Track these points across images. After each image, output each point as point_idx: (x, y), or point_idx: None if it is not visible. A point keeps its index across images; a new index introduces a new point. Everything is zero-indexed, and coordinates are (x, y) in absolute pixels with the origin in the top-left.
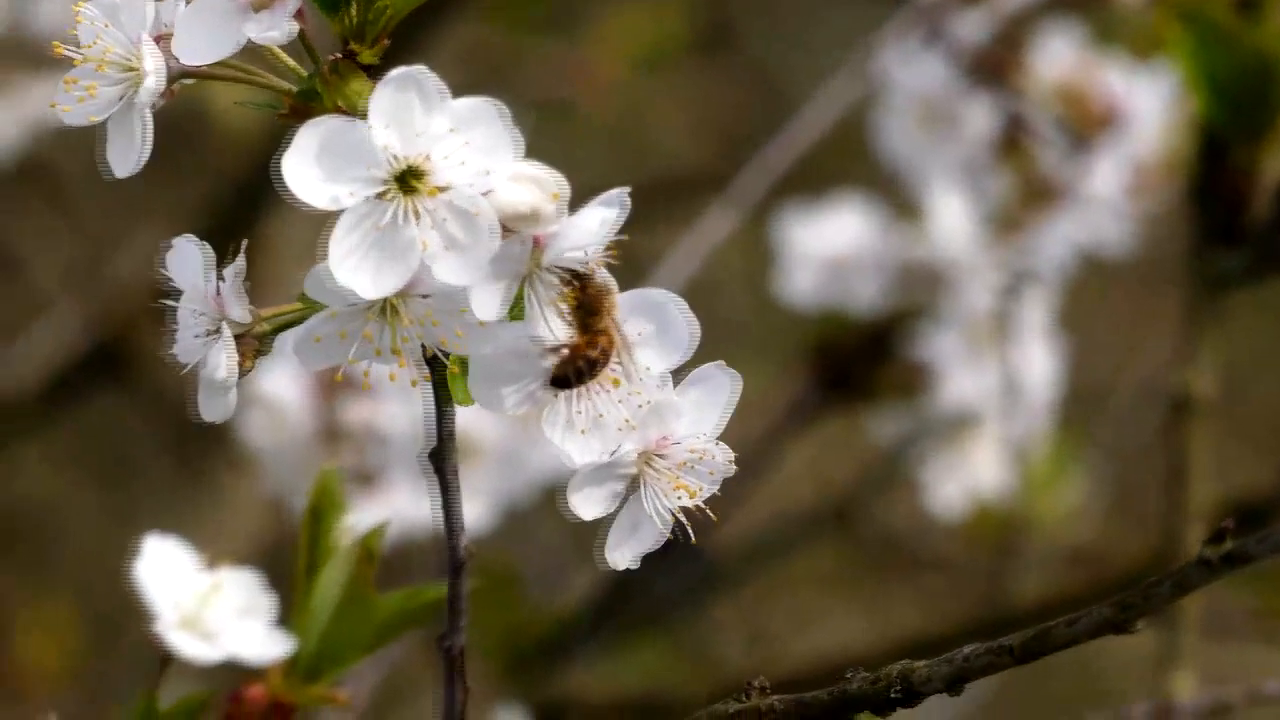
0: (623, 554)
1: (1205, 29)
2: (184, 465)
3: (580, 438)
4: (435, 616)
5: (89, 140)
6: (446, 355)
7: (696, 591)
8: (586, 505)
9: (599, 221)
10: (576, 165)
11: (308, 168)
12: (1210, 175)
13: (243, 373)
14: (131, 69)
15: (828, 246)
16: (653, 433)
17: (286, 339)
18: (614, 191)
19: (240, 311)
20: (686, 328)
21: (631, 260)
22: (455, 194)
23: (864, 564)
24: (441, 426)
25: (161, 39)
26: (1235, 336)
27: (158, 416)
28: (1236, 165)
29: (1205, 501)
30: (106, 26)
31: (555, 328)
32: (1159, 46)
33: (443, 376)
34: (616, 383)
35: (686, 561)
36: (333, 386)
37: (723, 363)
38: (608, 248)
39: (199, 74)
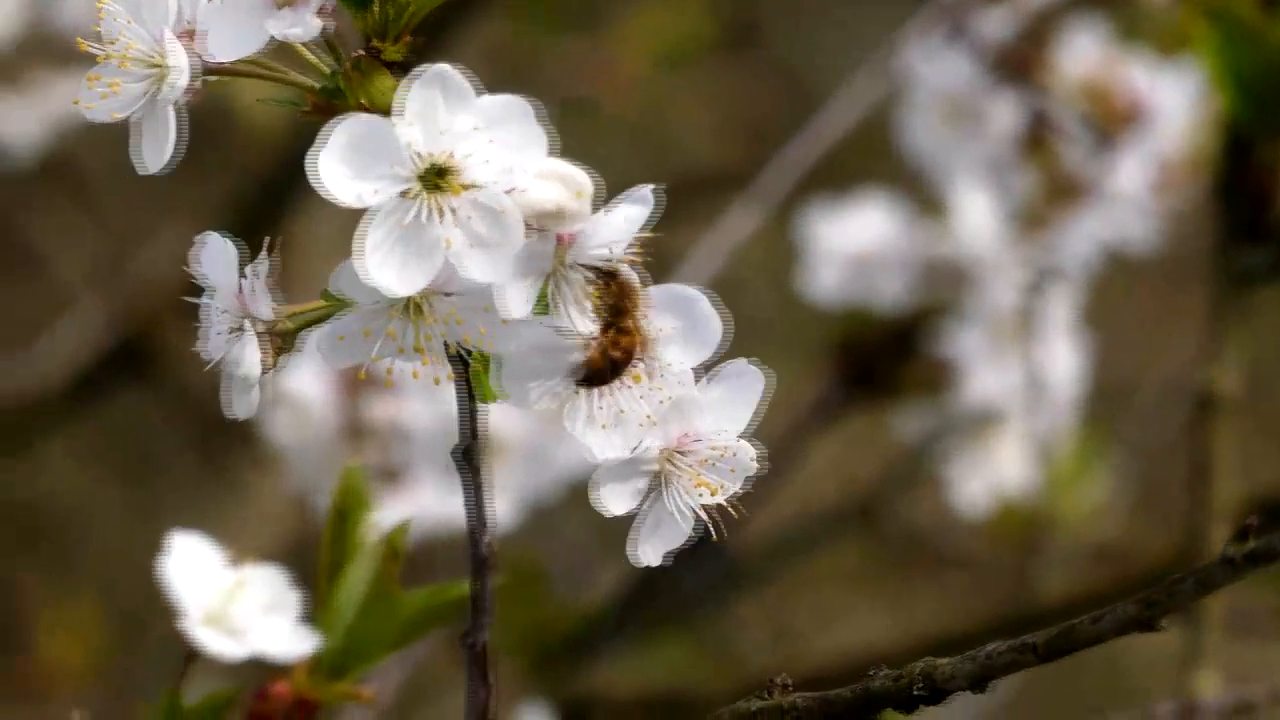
0: (648, 551)
1: (1231, 26)
2: (208, 462)
3: (601, 432)
4: (460, 614)
5: (113, 137)
6: (470, 353)
7: (721, 589)
8: (609, 501)
9: (626, 219)
10: (599, 163)
11: (334, 165)
12: (1235, 172)
13: (268, 370)
14: (155, 65)
15: (852, 243)
16: (675, 429)
17: (311, 336)
18: (640, 188)
19: (266, 309)
20: (716, 324)
21: (655, 258)
22: (481, 192)
23: (888, 561)
24: (468, 424)
25: (185, 35)
26: (1260, 333)
27: (182, 414)
28: (1261, 162)
29: (1229, 499)
30: (130, 23)
31: (581, 326)
32: (1184, 43)
33: (467, 374)
34: (638, 378)
35: (711, 559)
36: (357, 384)
37: (749, 359)
38: (634, 245)
39: (223, 70)
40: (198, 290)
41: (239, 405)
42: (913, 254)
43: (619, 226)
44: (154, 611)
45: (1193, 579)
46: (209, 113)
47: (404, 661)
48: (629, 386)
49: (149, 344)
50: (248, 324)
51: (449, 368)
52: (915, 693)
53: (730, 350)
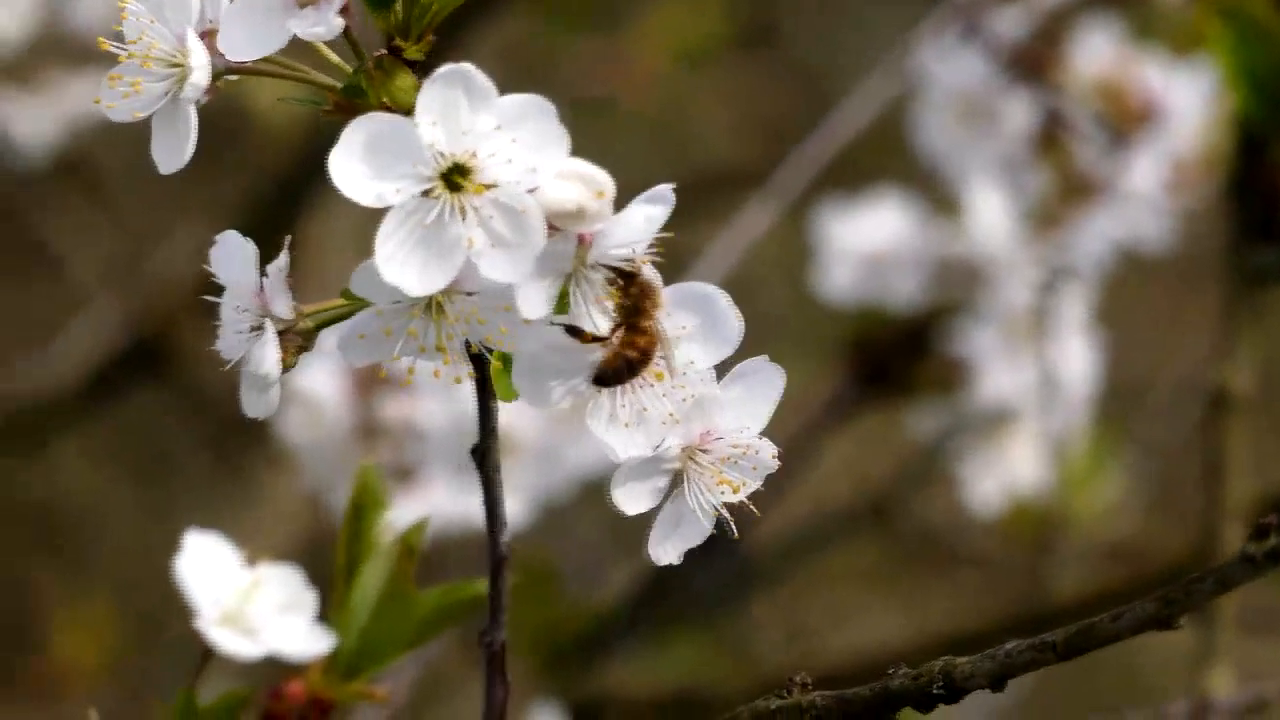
0: (667, 549)
1: (1244, 25)
2: (223, 462)
3: (624, 432)
4: (474, 613)
5: (128, 137)
6: (490, 351)
7: (735, 587)
8: (630, 500)
9: (644, 218)
10: (616, 161)
11: (355, 164)
12: (1249, 171)
13: (286, 369)
14: (176, 65)
15: (866, 242)
16: (696, 427)
17: (328, 335)
18: (660, 188)
19: (284, 307)
20: (734, 322)
21: (672, 256)
22: (502, 191)
23: (902, 560)
24: (485, 423)
25: (206, 35)
26: (1273, 332)
27: (197, 413)
28: (1275, 161)
29: (1243, 497)
30: (152, 22)
31: (600, 325)
32: (1198, 43)
33: (487, 373)
34: (660, 377)
35: (724, 558)
36: (370, 383)
37: (767, 357)
38: (652, 244)
39: (244, 70)
40: (216, 289)
41: (257, 404)
42: (926, 253)
43: (639, 226)
44: (169, 611)
45: (1212, 577)
46: (225, 113)
47: (417, 660)
48: (651, 385)
49: (164, 344)
50: (267, 323)
51: (470, 366)
52: (934, 691)
53: (745, 349)
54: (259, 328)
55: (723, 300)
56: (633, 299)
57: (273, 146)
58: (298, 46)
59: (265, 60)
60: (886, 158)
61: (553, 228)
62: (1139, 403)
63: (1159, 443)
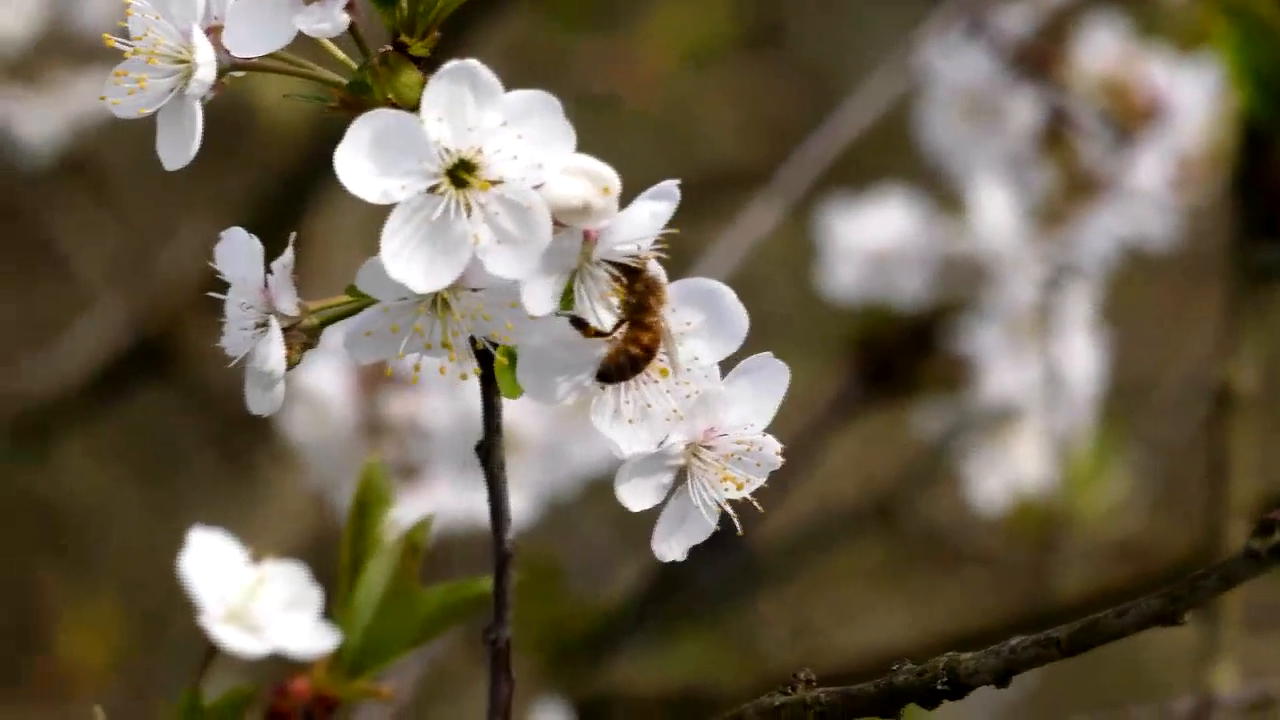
0: (671, 546)
1: (1249, 23)
2: (228, 460)
3: (628, 428)
4: (479, 611)
5: (134, 135)
6: (495, 347)
7: (741, 585)
8: (634, 496)
9: (650, 215)
10: (621, 160)
11: (360, 161)
12: (1253, 168)
13: (291, 366)
14: (182, 61)
15: (871, 240)
16: (700, 423)
17: (333, 332)
18: (665, 184)
19: (288, 304)
20: (738, 318)
21: (677, 254)
22: (508, 188)
23: (907, 558)
24: (490, 420)
25: (212, 31)
26: (1278, 329)
27: (202, 412)
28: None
29: (1247, 496)
30: (157, 19)
31: (605, 321)
32: (1203, 40)
33: (492, 370)
34: (665, 373)
35: (730, 555)
36: (374, 380)
37: (770, 354)
38: (657, 241)
39: (249, 66)
40: (221, 286)
41: (262, 401)
42: (931, 250)
43: (645, 223)
44: (175, 609)
45: (1216, 573)
46: (231, 109)
47: (422, 658)
48: (655, 381)
49: (170, 342)
50: (272, 319)
51: (475, 363)
52: (939, 687)
53: (750, 346)
54: (264, 324)
55: (728, 296)
56: (638, 295)
57: (279, 143)
58: (303, 43)
59: (271, 56)
60: (891, 156)
61: (558, 224)
62: (1144, 400)
63: (1164, 441)
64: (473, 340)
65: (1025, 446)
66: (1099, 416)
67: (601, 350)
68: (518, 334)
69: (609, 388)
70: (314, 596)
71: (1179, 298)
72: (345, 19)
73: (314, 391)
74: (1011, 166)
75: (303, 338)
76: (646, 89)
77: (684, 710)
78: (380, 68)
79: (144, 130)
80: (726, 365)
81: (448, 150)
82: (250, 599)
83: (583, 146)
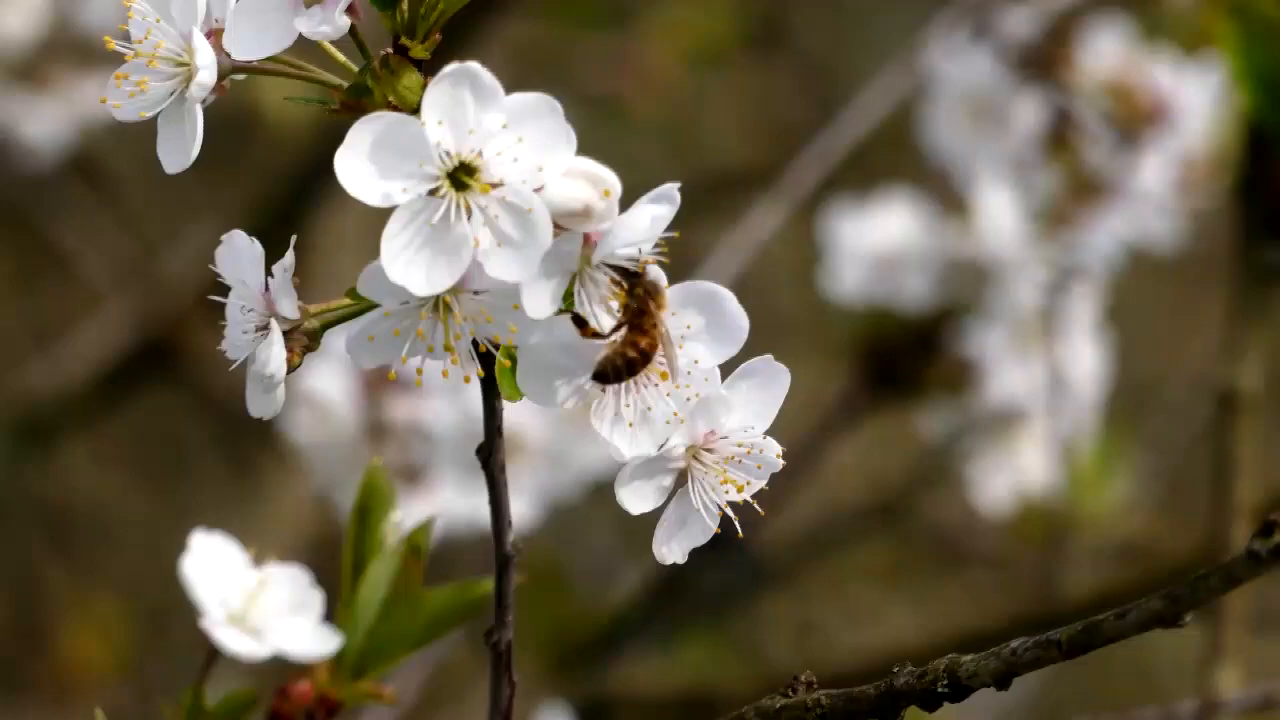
0: (672, 548)
1: (1253, 25)
2: (231, 462)
3: (628, 431)
4: (481, 613)
5: (138, 137)
6: (498, 348)
7: (745, 588)
8: (635, 499)
9: (650, 218)
10: (625, 161)
11: (361, 164)
12: (1257, 170)
13: (291, 369)
14: (183, 64)
15: (875, 242)
16: (701, 426)
17: (336, 337)
18: (665, 187)
19: (289, 307)
20: (738, 321)
21: (680, 256)
22: (508, 190)
23: (913, 560)
24: (490, 423)
25: (213, 34)
26: None
27: (206, 414)
28: None
29: (1251, 497)
30: (158, 22)
31: (605, 325)
32: (1207, 42)
33: (493, 373)
34: (665, 376)
35: (734, 558)
36: (377, 383)
37: (770, 356)
38: (658, 244)
39: (250, 69)
40: (223, 289)
41: (263, 404)
42: (936, 253)
43: (645, 226)
44: (178, 611)
45: (1217, 574)
46: (233, 112)
47: (424, 661)
48: (655, 384)
49: (173, 344)
50: (273, 322)
51: (478, 366)
52: (939, 690)
53: (753, 348)
54: (265, 328)
55: (728, 299)
56: (637, 299)
57: (281, 146)
58: (304, 45)
59: (272, 59)
60: (896, 158)
61: (559, 227)
62: (1148, 402)
63: (1168, 442)
64: (475, 343)
65: (1030, 448)
66: (1103, 418)
67: (601, 353)
68: (522, 336)
69: (609, 391)
70: (316, 599)
71: (1183, 300)
72: (346, 22)
73: (317, 395)
74: (1016, 168)
75: (303, 341)
76: (650, 90)
77: (687, 713)
78: (381, 70)
79: (148, 132)
80: (727, 368)
81: (448, 153)
82: (252, 602)
83: (584, 148)
